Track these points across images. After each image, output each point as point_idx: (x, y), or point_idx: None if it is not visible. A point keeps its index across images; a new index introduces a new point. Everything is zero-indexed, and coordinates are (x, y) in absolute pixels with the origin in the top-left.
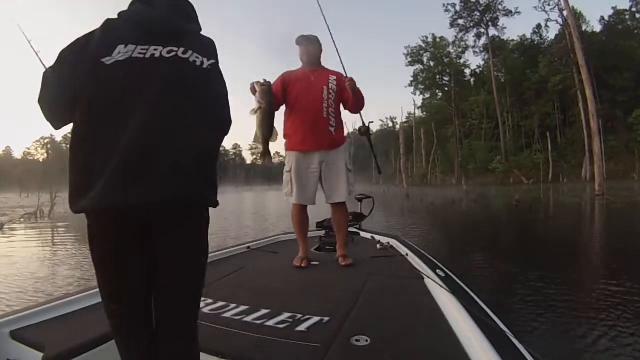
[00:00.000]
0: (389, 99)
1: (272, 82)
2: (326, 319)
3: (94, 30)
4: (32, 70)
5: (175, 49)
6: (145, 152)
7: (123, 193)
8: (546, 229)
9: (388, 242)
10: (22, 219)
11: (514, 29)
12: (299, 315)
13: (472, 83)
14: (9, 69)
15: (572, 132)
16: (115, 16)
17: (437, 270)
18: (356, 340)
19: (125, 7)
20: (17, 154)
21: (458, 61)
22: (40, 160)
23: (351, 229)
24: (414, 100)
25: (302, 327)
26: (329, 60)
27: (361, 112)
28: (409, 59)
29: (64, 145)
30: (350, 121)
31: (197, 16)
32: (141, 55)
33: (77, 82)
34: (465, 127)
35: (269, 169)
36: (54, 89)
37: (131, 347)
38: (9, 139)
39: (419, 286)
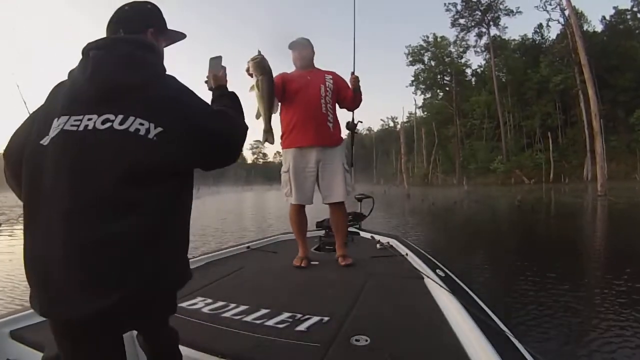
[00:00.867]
0: (390, 99)
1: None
2: (326, 319)
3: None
4: None
5: (112, 117)
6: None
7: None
8: (549, 230)
9: (388, 242)
10: (20, 218)
11: (516, 29)
12: (299, 315)
13: (473, 83)
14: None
15: (574, 132)
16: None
17: (437, 270)
18: (356, 340)
19: None
20: None
21: (459, 61)
22: None
23: (351, 229)
24: (415, 100)
25: (302, 327)
26: (322, 62)
27: (354, 110)
28: (410, 59)
29: None
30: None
31: (156, 55)
32: (74, 128)
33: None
34: (467, 127)
35: (270, 168)
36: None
37: None
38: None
39: (419, 286)
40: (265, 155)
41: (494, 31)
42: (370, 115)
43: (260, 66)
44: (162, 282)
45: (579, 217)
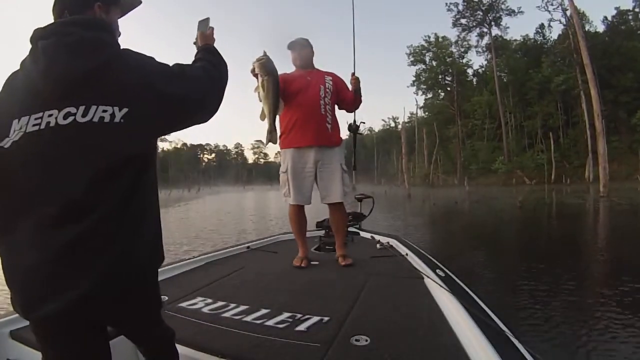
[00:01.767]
0: (392, 99)
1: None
2: (326, 319)
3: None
4: None
5: (73, 110)
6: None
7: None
8: (552, 232)
9: (388, 242)
10: None
11: (517, 29)
12: (299, 315)
13: (474, 83)
14: None
15: (575, 133)
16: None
17: (437, 270)
18: (356, 340)
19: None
20: None
21: (461, 61)
22: None
23: (351, 229)
24: (416, 101)
25: (302, 327)
26: (324, 62)
27: (355, 111)
28: (412, 59)
29: None
30: (344, 125)
31: (108, 32)
32: (36, 128)
33: None
34: (468, 128)
35: (270, 168)
36: None
37: None
38: None
39: (419, 286)
40: (266, 155)
41: (495, 31)
42: (372, 116)
43: (265, 67)
44: (133, 261)
45: (582, 219)
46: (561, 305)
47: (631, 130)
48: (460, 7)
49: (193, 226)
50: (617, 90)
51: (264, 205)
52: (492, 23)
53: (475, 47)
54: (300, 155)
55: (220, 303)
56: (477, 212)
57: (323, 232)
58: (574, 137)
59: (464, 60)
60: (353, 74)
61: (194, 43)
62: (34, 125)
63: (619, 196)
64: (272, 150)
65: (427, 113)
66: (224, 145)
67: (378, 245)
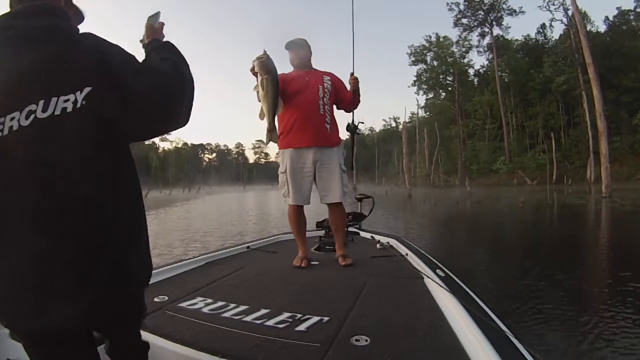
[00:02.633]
0: (393, 99)
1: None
2: (326, 319)
3: None
4: None
5: (33, 107)
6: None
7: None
8: (555, 233)
9: (388, 242)
10: None
11: (519, 29)
12: (299, 315)
13: (476, 83)
14: None
15: (577, 133)
16: None
17: (437, 270)
18: (356, 340)
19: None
20: None
21: (462, 61)
22: None
23: (351, 229)
24: (417, 100)
25: (302, 327)
26: (323, 62)
27: (354, 111)
28: (413, 59)
29: None
30: (343, 126)
31: (64, 17)
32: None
33: None
34: (469, 128)
35: (271, 168)
36: None
37: None
38: None
39: (419, 286)
40: (267, 154)
41: (496, 31)
42: (373, 116)
43: (265, 65)
44: (121, 280)
45: (586, 220)
46: (562, 306)
47: (633, 130)
48: (462, 7)
49: (190, 227)
50: (618, 91)
51: (264, 206)
52: (494, 23)
53: (477, 47)
54: (299, 155)
55: (220, 303)
56: (479, 213)
57: (323, 232)
58: (576, 137)
59: (465, 60)
60: (352, 74)
61: (141, 41)
62: None
63: (622, 197)
64: (273, 149)
65: (428, 113)
66: (225, 145)
67: (378, 245)
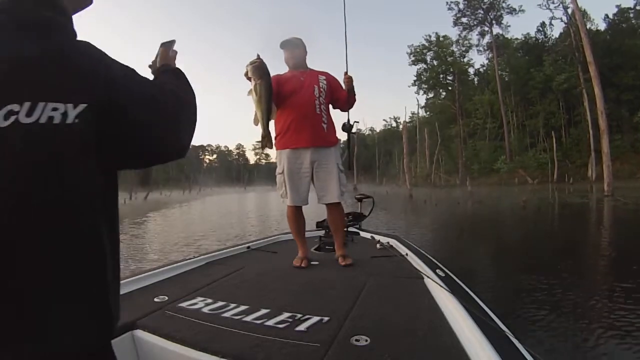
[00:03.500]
0: (393, 99)
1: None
2: (326, 319)
3: None
4: None
5: (16, 108)
6: None
7: None
8: (558, 232)
9: (388, 242)
10: None
11: (519, 28)
12: (299, 315)
13: (476, 82)
14: None
15: (578, 132)
16: None
17: (437, 270)
18: (356, 340)
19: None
20: None
21: (462, 60)
22: None
23: (351, 229)
24: (417, 100)
25: (302, 327)
26: (321, 62)
27: (349, 110)
28: (413, 58)
29: None
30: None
31: (63, 14)
32: None
33: None
34: (470, 127)
35: (272, 169)
36: None
37: None
38: None
39: (419, 286)
40: (267, 155)
41: (496, 30)
42: (373, 116)
43: (257, 70)
44: (81, 339)
45: (589, 218)
46: (563, 306)
47: (633, 128)
48: (461, 6)
49: (186, 230)
50: (619, 89)
51: (264, 207)
52: (493, 22)
53: (477, 46)
54: (296, 156)
55: (220, 303)
56: (481, 213)
57: (323, 232)
58: (577, 136)
59: (465, 60)
60: (346, 73)
61: (150, 66)
62: None
63: (624, 195)
64: (273, 150)
65: (428, 112)
66: (226, 146)
67: (378, 245)
